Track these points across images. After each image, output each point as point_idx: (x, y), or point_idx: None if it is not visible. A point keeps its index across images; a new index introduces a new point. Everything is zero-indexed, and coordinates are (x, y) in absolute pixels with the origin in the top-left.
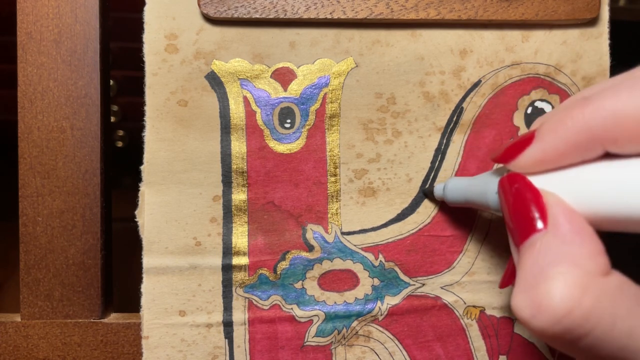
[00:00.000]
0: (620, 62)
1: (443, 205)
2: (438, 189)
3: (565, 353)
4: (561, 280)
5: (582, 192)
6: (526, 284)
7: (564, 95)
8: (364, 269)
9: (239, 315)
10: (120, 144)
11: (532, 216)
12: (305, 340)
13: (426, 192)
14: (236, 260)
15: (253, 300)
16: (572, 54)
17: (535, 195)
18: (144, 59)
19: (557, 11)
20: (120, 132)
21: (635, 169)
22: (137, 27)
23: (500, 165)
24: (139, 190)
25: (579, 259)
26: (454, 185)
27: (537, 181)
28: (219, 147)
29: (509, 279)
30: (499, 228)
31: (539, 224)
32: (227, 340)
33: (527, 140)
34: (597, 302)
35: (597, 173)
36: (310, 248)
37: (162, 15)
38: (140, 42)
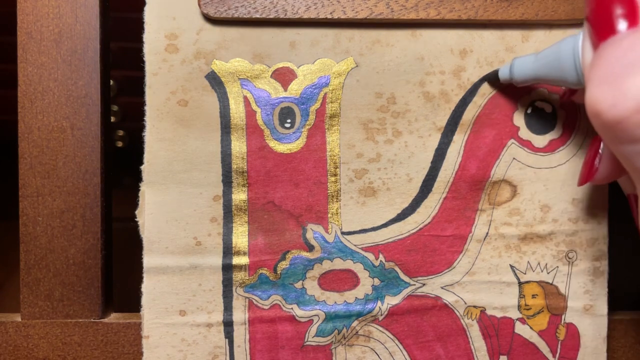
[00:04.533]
0: None
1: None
2: (504, 70)
3: (624, 155)
4: None
5: None
6: (609, 76)
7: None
8: (364, 269)
9: (239, 315)
10: (120, 144)
11: (621, 13)
12: (306, 340)
13: (489, 78)
14: (236, 260)
15: (253, 300)
16: None
17: None
18: (144, 58)
19: (557, 11)
20: (120, 132)
21: None
22: (137, 27)
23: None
24: (139, 190)
25: None
26: (521, 63)
27: None
28: (219, 147)
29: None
30: (499, 227)
31: (625, 23)
32: (227, 340)
33: None
34: None
35: None
36: (310, 248)
37: (162, 15)
38: (140, 42)
